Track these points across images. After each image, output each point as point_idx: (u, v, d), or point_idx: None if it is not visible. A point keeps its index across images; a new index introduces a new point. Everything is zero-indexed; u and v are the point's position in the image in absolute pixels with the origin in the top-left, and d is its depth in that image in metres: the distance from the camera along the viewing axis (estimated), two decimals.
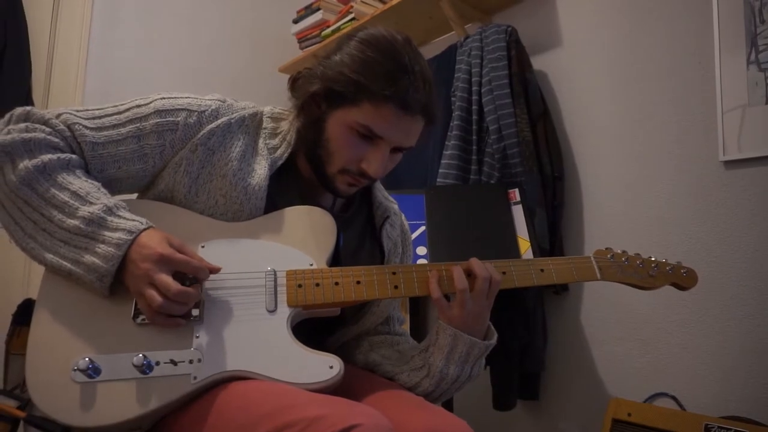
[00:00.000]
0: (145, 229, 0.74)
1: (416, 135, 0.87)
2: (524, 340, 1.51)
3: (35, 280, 1.81)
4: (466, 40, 1.75)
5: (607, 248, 0.96)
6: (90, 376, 0.70)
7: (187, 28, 2.25)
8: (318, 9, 2.24)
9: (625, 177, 1.53)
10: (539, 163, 1.55)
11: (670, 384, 1.38)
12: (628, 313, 1.48)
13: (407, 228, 1.08)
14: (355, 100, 0.81)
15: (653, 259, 0.96)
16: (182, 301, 0.71)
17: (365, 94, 0.81)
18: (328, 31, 2.18)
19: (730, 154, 1.32)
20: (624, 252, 0.96)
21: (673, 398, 1.36)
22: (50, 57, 1.99)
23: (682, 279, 0.96)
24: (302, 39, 2.31)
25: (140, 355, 0.71)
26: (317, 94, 0.85)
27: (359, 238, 0.97)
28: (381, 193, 1.03)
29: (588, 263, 0.93)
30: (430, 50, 2.04)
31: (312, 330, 0.84)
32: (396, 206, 1.05)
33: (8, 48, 1.89)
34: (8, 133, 0.76)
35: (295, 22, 2.32)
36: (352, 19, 2.09)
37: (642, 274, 0.95)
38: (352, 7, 2.09)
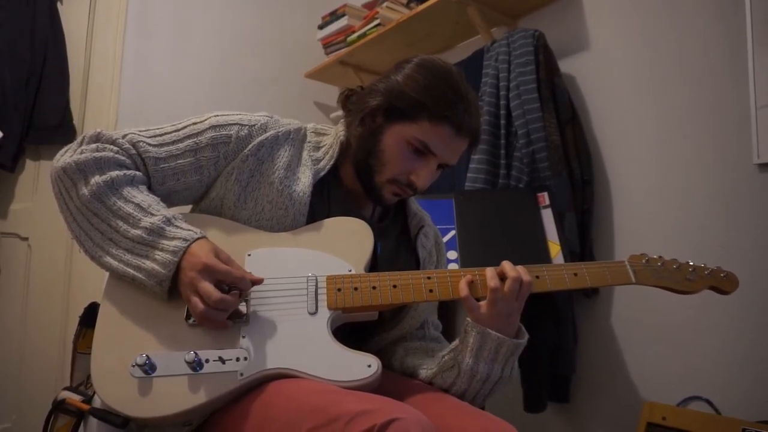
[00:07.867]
0: (197, 239, 0.80)
1: (460, 155, 0.95)
2: (554, 342, 1.51)
3: (75, 285, 1.89)
4: (493, 44, 1.76)
5: (642, 254, 0.96)
6: (146, 372, 0.74)
7: (215, 37, 2.31)
8: (343, 15, 2.26)
9: (656, 181, 1.51)
10: (568, 167, 1.55)
11: (704, 387, 1.36)
12: (659, 317, 1.47)
13: (441, 239, 1.12)
14: (415, 117, 0.90)
15: (691, 263, 0.95)
16: (222, 308, 0.76)
17: (426, 113, 0.89)
18: (354, 36, 2.19)
19: (765, 156, 1.30)
20: (660, 257, 0.95)
21: (708, 402, 1.34)
22: (86, 69, 2.06)
23: (722, 282, 0.94)
24: (327, 45, 2.33)
25: (192, 353, 0.75)
26: (378, 108, 0.92)
27: (396, 247, 1.02)
28: (414, 204, 1.08)
29: (622, 267, 0.93)
30: (455, 54, 2.05)
31: (350, 336, 0.87)
32: (429, 218, 1.10)
33: (48, 62, 1.97)
34: (82, 152, 0.84)
35: (321, 27, 2.35)
36: (378, 24, 2.09)
37: (678, 277, 0.93)
38: (377, 12, 2.10)
